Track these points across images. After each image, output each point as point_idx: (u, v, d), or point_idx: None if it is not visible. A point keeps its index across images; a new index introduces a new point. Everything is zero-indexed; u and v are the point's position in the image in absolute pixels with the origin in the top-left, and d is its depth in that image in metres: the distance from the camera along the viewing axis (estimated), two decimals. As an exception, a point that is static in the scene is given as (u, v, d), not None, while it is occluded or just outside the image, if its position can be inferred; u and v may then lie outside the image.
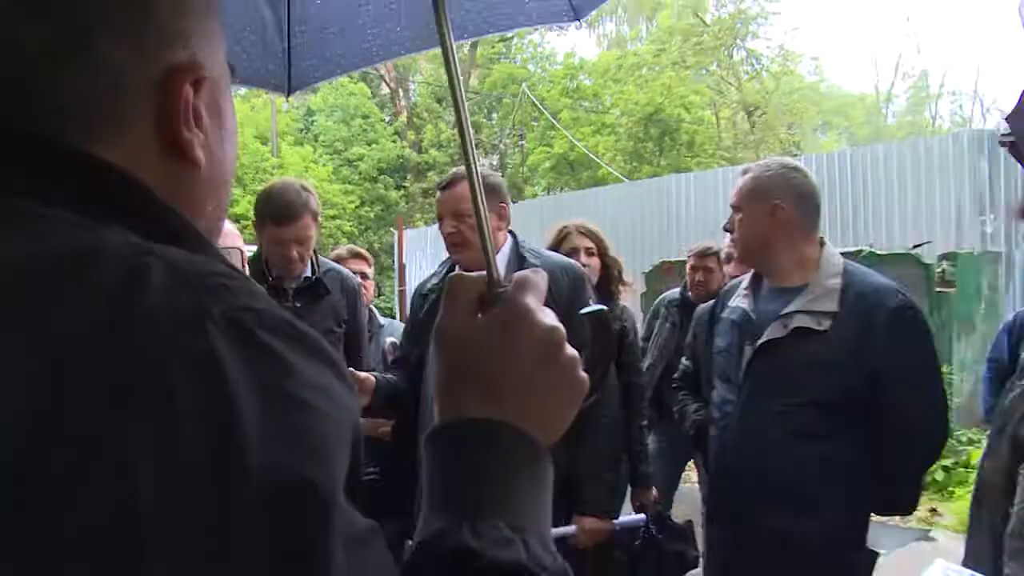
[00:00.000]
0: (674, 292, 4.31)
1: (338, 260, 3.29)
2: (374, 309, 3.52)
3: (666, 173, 18.26)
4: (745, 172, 2.23)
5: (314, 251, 2.68)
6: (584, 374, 0.59)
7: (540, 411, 0.57)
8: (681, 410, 2.87)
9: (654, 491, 3.15)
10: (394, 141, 26.83)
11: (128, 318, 0.41)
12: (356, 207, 24.13)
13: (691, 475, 4.73)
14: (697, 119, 22.50)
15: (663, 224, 10.49)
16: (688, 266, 4.13)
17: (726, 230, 2.25)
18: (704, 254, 4.11)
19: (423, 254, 15.55)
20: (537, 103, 22.77)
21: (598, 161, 20.81)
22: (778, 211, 2.15)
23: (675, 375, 3.07)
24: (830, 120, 28.04)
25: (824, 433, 2.02)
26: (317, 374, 0.44)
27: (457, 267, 2.30)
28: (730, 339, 2.25)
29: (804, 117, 22.41)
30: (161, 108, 0.54)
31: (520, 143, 24.82)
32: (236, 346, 0.42)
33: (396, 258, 15.91)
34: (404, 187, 26.92)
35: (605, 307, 0.70)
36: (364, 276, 3.37)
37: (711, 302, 3.24)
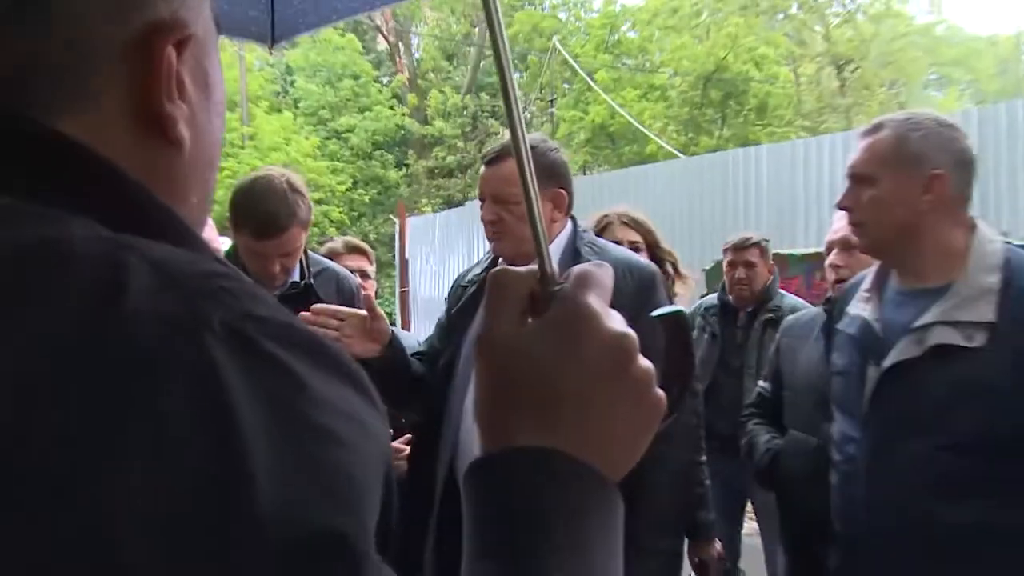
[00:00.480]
0: (711, 298, 4.38)
1: (331, 256, 3.35)
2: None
3: (731, 147, 18.16)
4: (876, 129, 2.10)
5: (304, 251, 2.71)
6: (661, 392, 0.60)
7: (606, 438, 0.57)
8: (750, 441, 2.87)
9: (718, 544, 3.12)
10: (392, 108, 26.99)
11: (107, 324, 0.41)
12: (347, 189, 24.35)
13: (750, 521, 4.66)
14: (770, 77, 22.37)
15: (727, 210, 10.45)
16: (725, 262, 4.22)
17: (843, 208, 2.13)
18: (742, 246, 4.19)
19: (430, 247, 15.62)
20: (570, 60, 22.75)
21: (645, 132, 20.75)
22: (936, 184, 2.00)
23: (747, 402, 3.08)
24: (948, 73, 27.33)
25: (981, 486, 1.86)
26: (339, 395, 0.45)
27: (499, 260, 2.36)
28: (849, 358, 2.16)
29: (912, 70, 22.10)
30: (137, 75, 0.55)
31: (549, 110, 24.83)
32: (237, 359, 0.42)
33: (397, 252, 16.03)
34: (406, 165, 27.11)
35: (682, 308, 0.68)
36: (364, 275, 3.44)
37: (815, 308, 3.18)
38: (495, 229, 2.28)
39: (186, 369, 0.41)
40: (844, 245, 2.99)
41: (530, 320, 0.60)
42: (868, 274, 2.22)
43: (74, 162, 0.51)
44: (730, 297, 4.19)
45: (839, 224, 3.05)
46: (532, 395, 0.57)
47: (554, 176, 2.32)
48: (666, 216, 10.74)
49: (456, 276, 2.62)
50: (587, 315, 0.58)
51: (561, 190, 2.34)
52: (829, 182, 8.95)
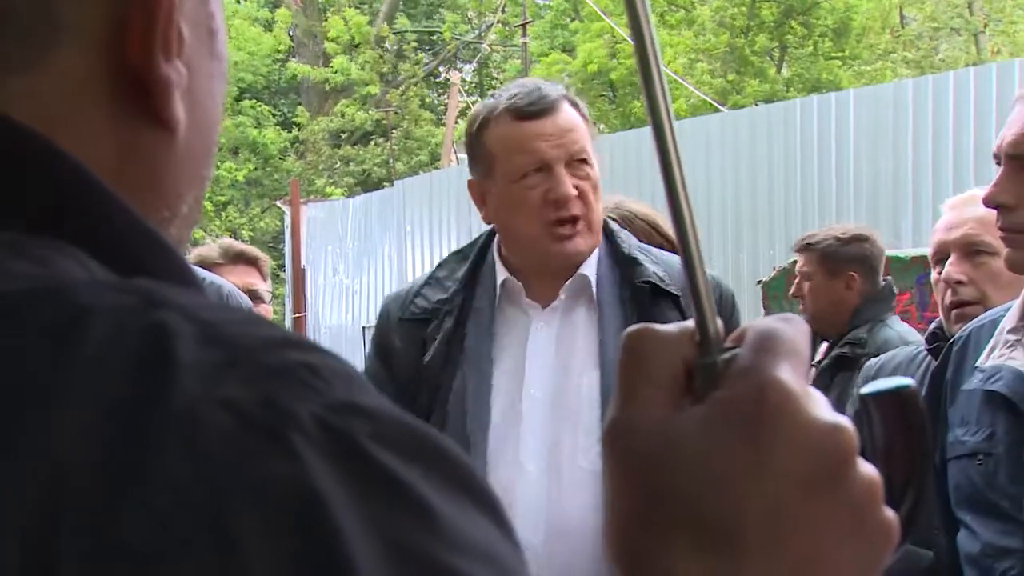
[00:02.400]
0: None
1: (204, 265, 3.50)
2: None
3: (795, 93, 18.33)
4: None
5: None
6: (889, 512, 0.61)
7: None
8: None
9: None
10: (268, 29, 26.98)
11: (153, 425, 0.44)
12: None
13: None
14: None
15: (791, 191, 10.54)
16: (797, 270, 4.52)
17: (995, 204, 2.20)
18: (798, 250, 4.48)
19: (338, 250, 15.60)
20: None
21: (673, 76, 20.99)
22: None
23: None
24: None
25: None
26: (475, 528, 0.48)
27: (499, 268, 2.51)
28: (990, 429, 2.22)
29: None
30: (119, 17, 0.58)
31: (517, 42, 24.90)
32: (343, 476, 0.45)
33: (288, 258, 16.02)
34: (295, 123, 27.09)
35: (911, 382, 0.71)
36: (255, 296, 3.64)
37: (913, 346, 3.23)
38: (577, 209, 2.39)
39: (271, 494, 0.43)
40: (967, 250, 3.04)
41: (687, 404, 0.61)
42: (1012, 309, 2.28)
43: (12, 152, 0.55)
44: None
45: (955, 216, 3.11)
46: (698, 517, 0.58)
47: (592, 134, 2.52)
48: (697, 200, 10.82)
49: (386, 302, 2.68)
50: (779, 398, 0.59)
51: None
52: (953, 143, 9.05)
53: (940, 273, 3.08)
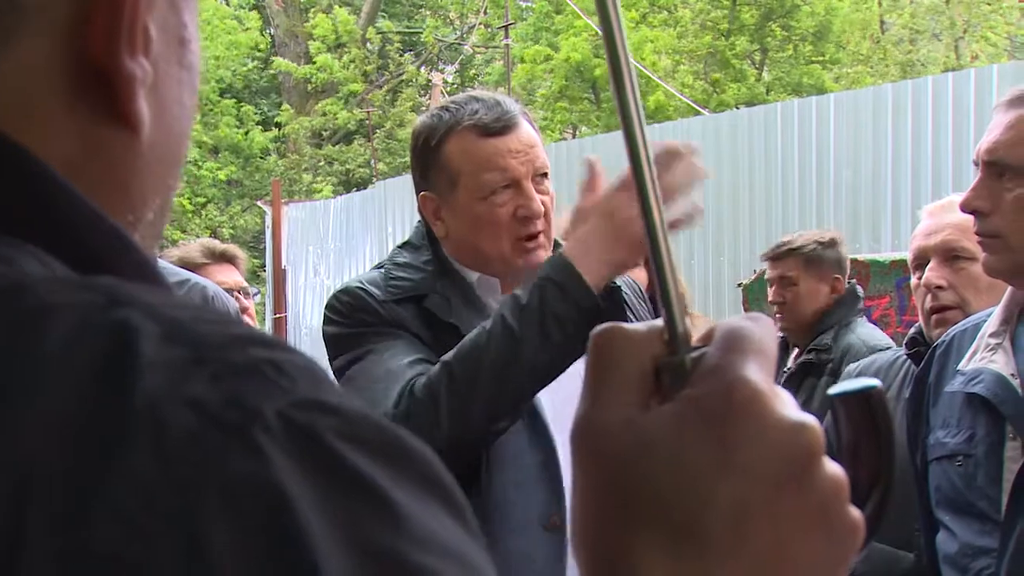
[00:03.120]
0: None
1: (187, 266, 3.47)
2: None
3: (776, 96, 18.37)
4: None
5: None
6: (855, 511, 0.61)
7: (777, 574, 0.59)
8: None
9: None
10: (246, 29, 26.83)
11: (119, 425, 0.43)
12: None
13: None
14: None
15: (772, 195, 10.56)
16: (768, 279, 4.50)
17: (972, 210, 2.21)
18: (775, 256, 4.44)
19: (319, 250, 15.56)
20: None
21: (646, 73, 20.95)
22: None
23: None
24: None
25: None
26: (438, 523, 0.47)
27: (476, 275, 2.46)
28: (971, 432, 2.25)
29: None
30: (85, 11, 0.57)
31: (503, 41, 24.89)
32: (307, 473, 0.44)
33: (268, 258, 15.97)
34: (276, 124, 26.98)
35: (877, 383, 0.71)
36: (246, 293, 3.71)
37: (892, 351, 3.24)
38: (543, 225, 2.39)
39: (235, 491, 0.43)
40: (946, 255, 3.06)
41: (655, 403, 0.62)
42: (991, 315, 2.31)
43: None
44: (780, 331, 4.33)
45: (933, 223, 3.13)
46: (666, 516, 0.58)
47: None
48: (678, 204, 10.80)
49: (353, 288, 2.56)
50: (747, 397, 0.59)
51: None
52: (932, 147, 9.08)
53: (920, 278, 3.10)
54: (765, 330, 0.63)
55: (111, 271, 0.52)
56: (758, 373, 0.60)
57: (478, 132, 2.40)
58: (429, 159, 2.45)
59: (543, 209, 2.38)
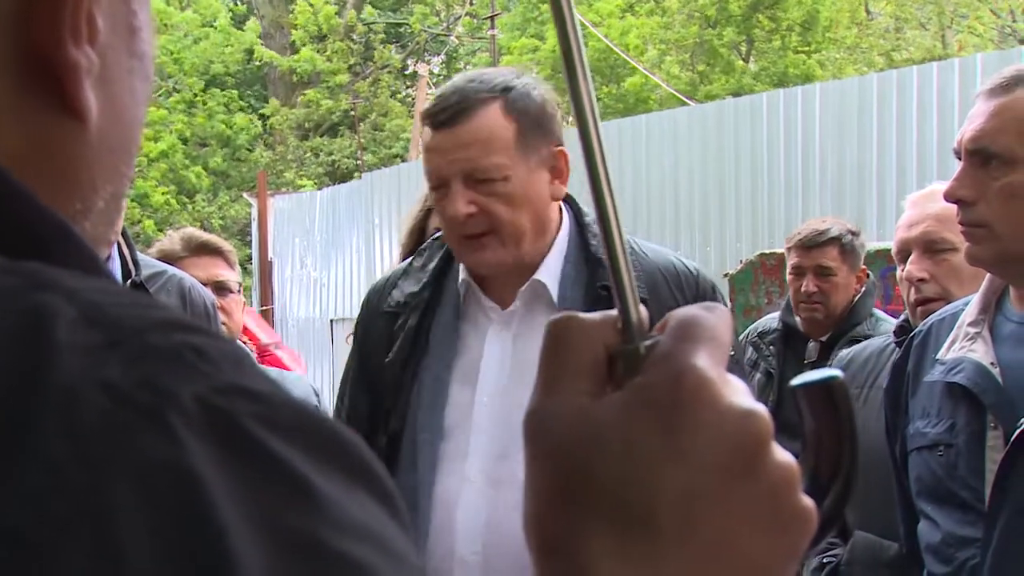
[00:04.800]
0: (770, 319, 4.56)
1: (167, 259, 3.41)
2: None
3: (762, 87, 18.37)
4: (1013, 85, 2.17)
5: (124, 239, 2.75)
6: (807, 499, 0.62)
7: (727, 567, 0.59)
8: None
9: None
10: (233, 19, 26.74)
11: (30, 407, 0.42)
12: (163, 150, 24.09)
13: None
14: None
15: (758, 184, 10.57)
16: (789, 266, 4.31)
17: (955, 200, 2.21)
18: (813, 243, 4.22)
19: (305, 242, 15.54)
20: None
21: (631, 63, 20.96)
22: None
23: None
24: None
25: None
26: (361, 510, 0.47)
27: (462, 272, 2.43)
28: (951, 421, 2.25)
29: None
30: (25, 4, 0.56)
31: (489, 31, 24.87)
32: (223, 458, 0.43)
33: (255, 249, 15.94)
34: (261, 115, 26.92)
35: (839, 373, 0.71)
36: (221, 288, 3.57)
37: (881, 339, 3.24)
38: (474, 228, 2.28)
39: (146, 472, 0.42)
40: (927, 247, 3.06)
41: (608, 392, 0.61)
42: (970, 303, 2.31)
43: None
44: (797, 319, 4.26)
45: (915, 214, 3.13)
46: (614, 504, 0.58)
47: (547, 125, 2.35)
48: (665, 194, 10.83)
49: (368, 292, 2.64)
50: (695, 384, 0.59)
51: (561, 148, 2.38)
52: (917, 136, 9.09)
53: (901, 271, 3.11)
54: (720, 319, 0.63)
55: (48, 260, 0.50)
56: (707, 361, 0.60)
57: (426, 121, 2.36)
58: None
59: (464, 212, 2.27)
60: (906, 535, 2.45)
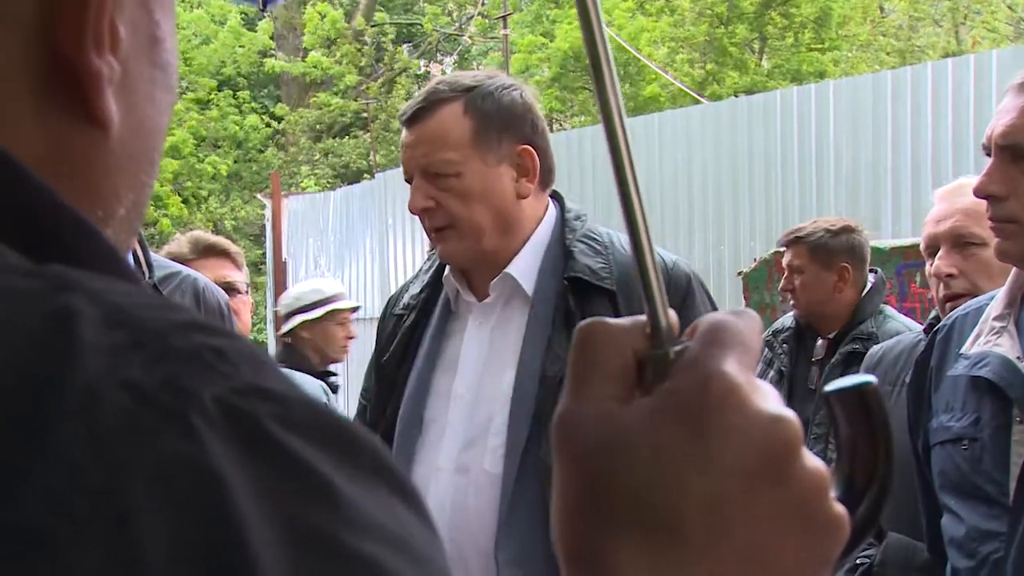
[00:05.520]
0: (787, 317, 4.70)
1: (177, 262, 3.43)
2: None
3: (775, 84, 18.31)
4: None
5: (138, 240, 2.70)
6: (838, 506, 0.61)
7: (756, 574, 0.59)
8: None
9: None
10: (244, 19, 26.75)
11: (51, 406, 0.42)
12: (174, 144, 24.05)
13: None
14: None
15: (771, 183, 10.55)
16: (785, 264, 4.53)
17: (986, 196, 2.20)
18: (784, 244, 4.52)
19: (319, 242, 15.55)
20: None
21: (644, 61, 20.93)
22: None
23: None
24: None
25: None
26: (383, 511, 0.47)
27: (447, 268, 2.52)
28: (976, 414, 2.25)
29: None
30: (49, 13, 0.56)
31: (501, 31, 24.88)
32: (243, 458, 0.44)
33: (269, 250, 15.96)
34: (272, 115, 26.93)
35: (872, 379, 0.70)
36: (231, 288, 3.60)
37: (913, 335, 3.23)
38: (434, 222, 2.41)
39: (167, 472, 0.42)
40: (955, 242, 3.06)
41: (637, 398, 0.62)
42: (995, 298, 2.30)
43: None
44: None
45: (943, 208, 3.13)
46: (641, 510, 0.58)
47: (513, 125, 2.40)
48: (679, 192, 10.82)
49: (392, 294, 2.77)
50: (724, 390, 0.59)
51: (527, 147, 2.44)
52: (931, 133, 9.06)
53: (931, 265, 3.10)
54: (748, 324, 0.63)
55: (72, 260, 0.51)
56: (736, 366, 0.60)
57: (399, 119, 2.48)
58: None
59: (420, 206, 2.39)
60: (928, 528, 2.45)
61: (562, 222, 2.51)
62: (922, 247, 3.17)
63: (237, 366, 0.47)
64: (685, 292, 2.40)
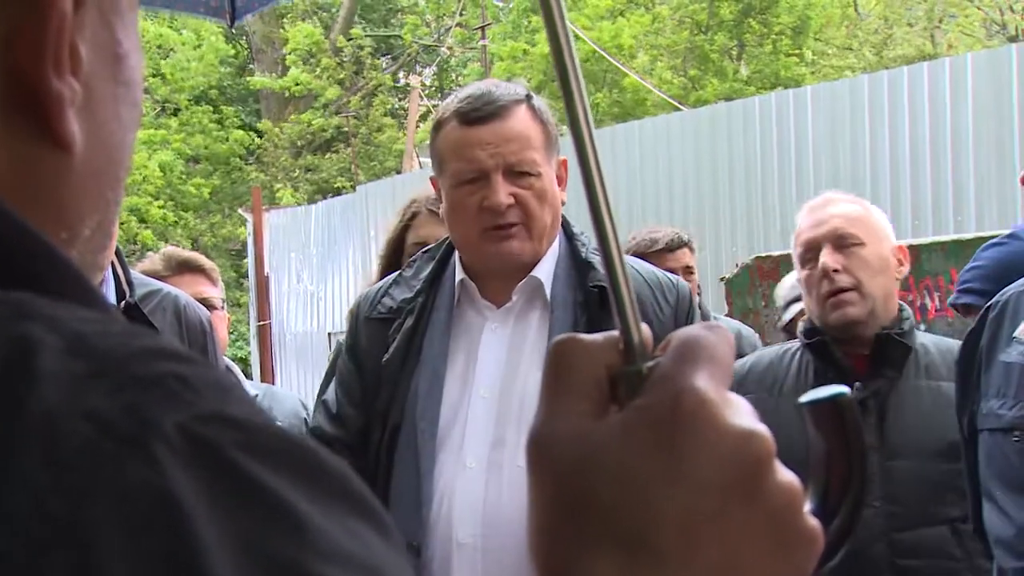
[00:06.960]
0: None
1: (151, 278, 3.35)
2: (231, 364, 3.75)
3: (754, 91, 18.38)
4: None
5: (118, 259, 2.76)
6: (812, 520, 0.61)
7: None
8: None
9: None
10: (227, 40, 26.76)
11: (11, 435, 0.42)
12: (152, 170, 24.01)
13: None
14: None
15: (752, 189, 10.57)
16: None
17: None
18: (671, 248, 4.44)
19: (301, 256, 15.52)
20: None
21: (622, 69, 20.97)
22: None
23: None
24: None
25: None
26: (350, 536, 0.46)
27: (458, 268, 2.57)
28: None
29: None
30: (12, 28, 0.55)
31: (480, 42, 24.88)
32: (205, 485, 0.43)
33: (251, 265, 15.93)
34: (254, 130, 26.89)
35: (846, 390, 0.69)
36: (208, 304, 3.50)
37: (779, 349, 3.24)
38: (513, 218, 2.44)
39: (128, 501, 0.41)
40: (838, 242, 3.05)
41: (611, 412, 0.62)
42: None
43: None
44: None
45: (818, 215, 3.13)
46: (615, 526, 0.58)
47: (555, 135, 2.51)
48: (660, 198, 10.84)
49: (357, 302, 2.77)
50: (695, 404, 0.59)
51: (563, 158, 2.54)
52: (910, 139, 9.08)
53: (810, 270, 3.09)
54: (721, 339, 0.63)
55: (36, 286, 0.50)
56: (707, 381, 0.60)
57: (459, 120, 2.47)
58: (432, 144, 2.56)
59: (507, 202, 2.41)
60: (974, 509, 2.40)
61: (568, 235, 2.60)
62: (797, 254, 3.17)
63: (200, 393, 0.47)
64: (689, 307, 2.54)
